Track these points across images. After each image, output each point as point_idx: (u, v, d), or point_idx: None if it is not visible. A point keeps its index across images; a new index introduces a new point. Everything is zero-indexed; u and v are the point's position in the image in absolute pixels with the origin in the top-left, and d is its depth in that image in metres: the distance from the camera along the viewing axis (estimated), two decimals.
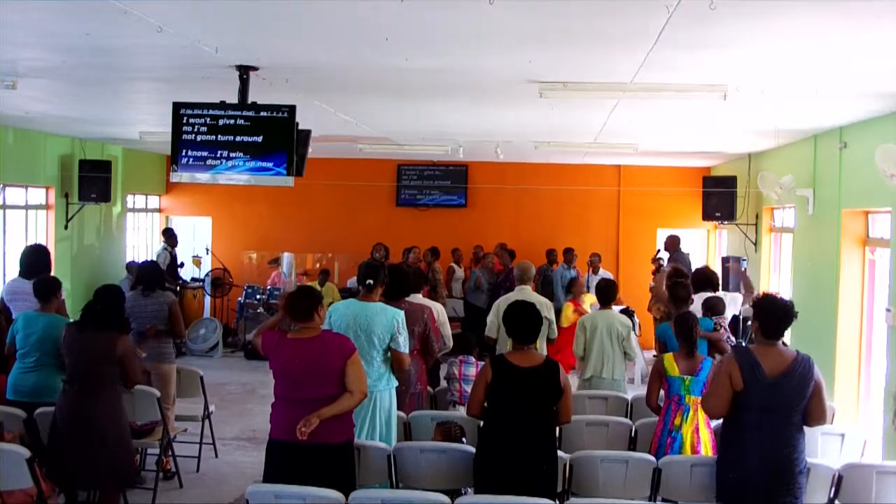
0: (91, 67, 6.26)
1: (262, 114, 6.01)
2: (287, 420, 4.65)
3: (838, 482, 5.01)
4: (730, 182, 11.58)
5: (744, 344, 7.70)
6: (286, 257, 14.30)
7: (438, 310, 7.06)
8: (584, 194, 14.42)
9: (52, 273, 7.24)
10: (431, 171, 15.10)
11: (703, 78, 5.95)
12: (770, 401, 4.54)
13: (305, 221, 14.99)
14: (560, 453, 5.04)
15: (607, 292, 7.68)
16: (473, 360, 6.92)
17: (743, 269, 10.74)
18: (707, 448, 5.52)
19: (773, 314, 4.65)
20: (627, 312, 11.92)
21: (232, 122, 6.03)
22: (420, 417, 5.99)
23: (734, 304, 8.54)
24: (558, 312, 10.24)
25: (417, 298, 7.03)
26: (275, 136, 5.99)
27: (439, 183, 15.13)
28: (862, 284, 7.97)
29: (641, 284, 13.30)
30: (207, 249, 14.86)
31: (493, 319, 7.41)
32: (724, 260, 11.66)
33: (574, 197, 14.49)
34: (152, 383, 6.91)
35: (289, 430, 4.59)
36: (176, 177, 6.18)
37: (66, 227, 11.68)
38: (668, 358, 5.80)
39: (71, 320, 6.09)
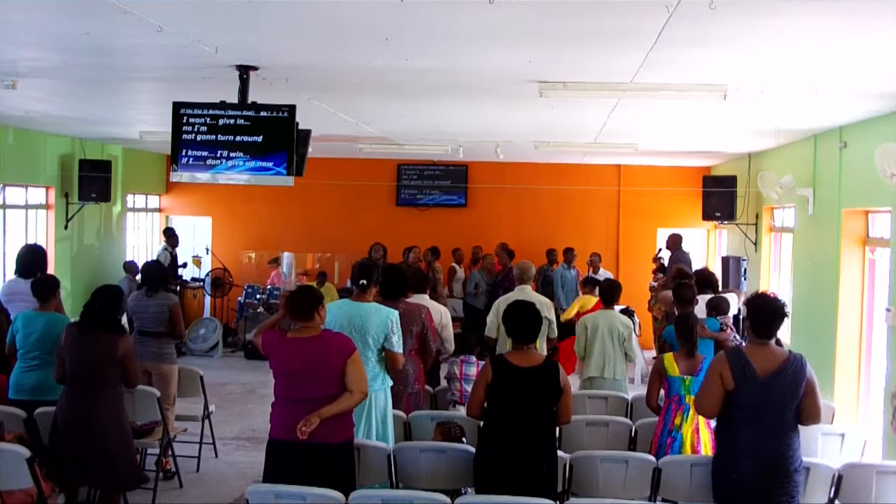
0: (91, 67, 6.26)
1: (262, 113, 6.01)
2: (287, 420, 4.65)
3: (838, 482, 5.01)
4: (730, 182, 11.59)
5: (744, 343, 7.69)
6: (286, 257, 14.31)
7: (442, 312, 7.06)
8: (584, 194, 14.43)
9: (51, 272, 7.25)
10: (431, 170, 15.10)
11: (703, 77, 5.95)
12: (762, 400, 4.55)
13: (305, 221, 14.99)
14: (560, 453, 5.04)
15: (611, 292, 7.69)
16: (474, 359, 6.92)
17: (743, 278, 10.78)
18: (707, 448, 5.52)
19: (764, 313, 4.65)
20: (627, 312, 11.93)
21: (232, 121, 6.03)
22: (420, 417, 5.99)
23: (732, 303, 8.53)
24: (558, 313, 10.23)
25: (423, 299, 7.03)
26: (275, 135, 5.99)
27: (439, 183, 15.13)
28: (862, 284, 7.97)
29: (641, 284, 13.32)
30: (207, 249, 14.87)
31: (493, 319, 7.41)
32: (724, 260, 11.66)
33: (574, 197, 14.49)
34: (153, 383, 6.92)
35: (289, 429, 4.59)
36: (176, 176, 6.17)
37: (66, 227, 11.68)
38: (669, 358, 5.81)
39: (71, 320, 6.09)
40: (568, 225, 14.66)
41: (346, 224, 14.86)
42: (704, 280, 8.12)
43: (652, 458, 5.22)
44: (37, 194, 11.30)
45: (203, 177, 6.17)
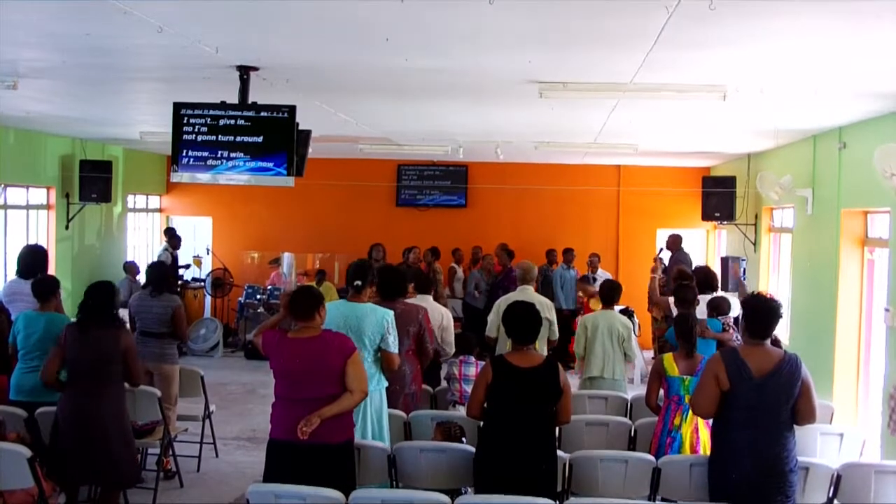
0: (91, 68, 6.27)
1: (263, 114, 6.02)
2: (287, 420, 4.66)
3: (837, 482, 5.02)
4: (729, 182, 11.60)
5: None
6: (286, 257, 14.32)
7: (444, 314, 7.06)
8: (583, 194, 14.44)
9: (52, 273, 7.25)
10: (431, 171, 15.11)
11: (703, 78, 5.96)
12: (757, 400, 4.56)
13: (306, 221, 15.00)
14: (560, 453, 5.05)
15: (611, 293, 7.71)
16: (473, 360, 6.93)
17: (742, 277, 10.76)
18: (706, 448, 5.52)
19: (759, 314, 4.67)
20: (627, 312, 11.94)
21: (232, 122, 6.04)
22: (420, 417, 6.00)
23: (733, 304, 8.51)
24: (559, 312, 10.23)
25: (427, 300, 7.03)
26: (275, 136, 6.00)
27: (439, 183, 15.14)
28: (861, 284, 7.98)
29: (641, 285, 13.26)
30: (208, 249, 14.89)
31: (494, 319, 7.42)
32: (724, 260, 11.68)
33: (574, 197, 14.50)
34: (155, 383, 6.93)
35: (289, 429, 4.60)
36: (176, 177, 6.18)
37: (66, 227, 11.70)
38: (668, 358, 5.82)
39: (72, 320, 6.10)
40: (568, 225, 14.67)
41: (347, 224, 14.87)
42: (704, 279, 8.11)
43: (651, 457, 5.23)
44: (38, 195, 11.32)
45: (203, 177, 6.18)
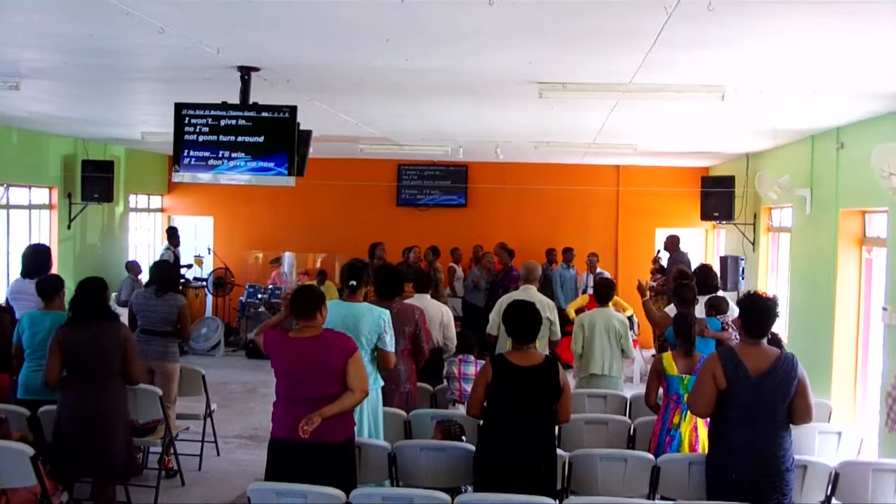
0: (93, 68, 6.29)
1: (264, 114, 6.03)
2: (289, 419, 4.68)
3: (835, 480, 5.06)
4: (728, 182, 11.63)
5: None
6: (287, 257, 14.35)
7: (444, 311, 7.11)
8: (583, 194, 14.46)
9: (54, 272, 7.28)
10: (431, 171, 15.14)
11: (702, 78, 5.97)
12: (754, 399, 4.58)
13: (306, 221, 15.03)
14: (559, 452, 5.07)
15: (605, 291, 7.74)
16: (473, 358, 6.96)
17: (741, 277, 10.78)
18: (705, 447, 5.53)
19: (755, 313, 4.69)
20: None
21: (233, 122, 6.05)
22: (420, 416, 6.03)
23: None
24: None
25: (425, 299, 7.07)
26: (276, 136, 6.01)
27: (439, 183, 15.17)
28: (859, 283, 8.00)
29: None
30: (209, 249, 14.92)
31: (495, 318, 7.45)
32: (723, 259, 11.70)
33: (573, 197, 14.53)
34: (156, 382, 6.96)
35: (290, 428, 4.62)
36: (178, 177, 6.20)
37: (68, 227, 11.73)
38: (667, 357, 5.84)
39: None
40: (567, 225, 14.70)
41: (347, 224, 14.89)
42: (704, 279, 8.11)
43: (651, 456, 5.25)
44: (40, 194, 11.35)
45: (205, 177, 6.19)
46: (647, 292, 9.17)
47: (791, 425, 4.68)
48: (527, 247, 13.38)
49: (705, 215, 11.88)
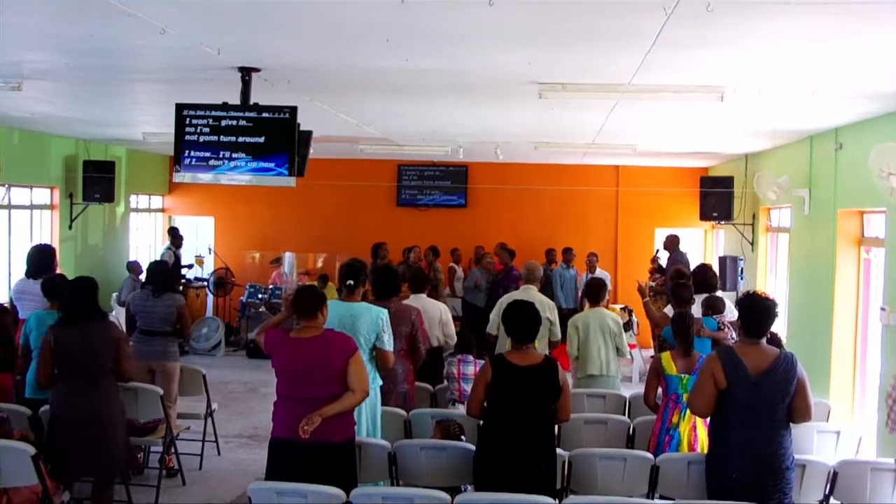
0: (94, 69, 6.31)
1: (264, 115, 6.05)
2: (289, 418, 4.70)
3: (833, 479, 5.07)
4: (727, 182, 11.65)
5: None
6: (287, 257, 14.38)
7: (442, 309, 7.14)
8: (583, 194, 14.48)
9: (59, 272, 7.29)
10: (432, 171, 15.16)
11: (701, 79, 5.98)
12: (754, 398, 4.60)
13: (307, 221, 15.05)
14: (559, 451, 5.08)
15: (597, 291, 7.76)
16: (472, 358, 6.97)
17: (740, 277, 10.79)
18: (704, 446, 5.55)
19: (754, 313, 4.71)
20: (625, 311, 12.00)
21: (234, 122, 6.06)
22: (420, 415, 6.04)
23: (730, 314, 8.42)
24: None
25: (421, 299, 7.10)
26: (276, 136, 6.02)
27: (439, 183, 15.19)
28: (857, 284, 8.02)
29: None
30: (210, 249, 14.94)
31: (495, 317, 7.47)
32: (722, 260, 11.72)
33: (573, 197, 14.54)
34: (157, 381, 6.97)
35: (291, 428, 4.64)
36: (179, 177, 6.21)
37: (70, 228, 11.74)
38: (666, 357, 5.85)
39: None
40: (567, 225, 14.72)
41: (347, 224, 14.91)
42: (703, 278, 8.12)
43: (650, 455, 5.26)
44: (41, 195, 11.37)
45: (205, 177, 6.20)
46: (647, 293, 9.20)
47: (791, 424, 4.70)
48: (526, 247, 13.40)
49: (704, 215, 11.90)
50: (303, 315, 4.84)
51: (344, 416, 4.80)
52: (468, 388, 6.22)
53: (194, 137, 6.10)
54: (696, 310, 7.21)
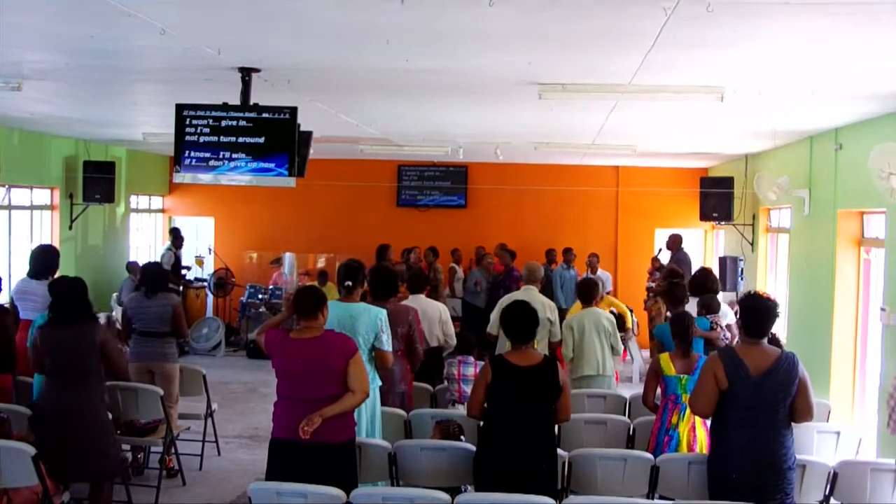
0: (94, 69, 6.31)
1: (264, 115, 6.05)
2: (289, 419, 4.70)
3: (833, 479, 5.07)
4: (727, 183, 11.66)
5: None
6: (288, 257, 14.38)
7: (441, 309, 7.14)
8: (583, 195, 14.48)
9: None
10: (432, 171, 15.16)
11: (701, 79, 5.99)
12: (755, 398, 4.60)
13: (307, 222, 15.06)
14: (559, 451, 5.08)
15: (589, 291, 7.77)
16: (473, 360, 6.98)
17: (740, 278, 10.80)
18: (703, 446, 5.56)
19: (756, 313, 4.71)
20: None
21: (234, 123, 6.07)
22: (420, 416, 6.04)
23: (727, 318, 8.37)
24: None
25: (419, 299, 7.10)
26: (277, 137, 6.03)
27: (439, 183, 15.19)
28: (857, 284, 8.02)
29: (639, 284, 13.38)
30: (210, 249, 14.95)
31: (496, 318, 7.48)
32: (722, 260, 11.73)
33: (573, 197, 14.54)
34: (156, 382, 6.97)
35: (291, 429, 4.63)
36: (179, 177, 6.22)
37: (70, 228, 11.75)
38: (665, 357, 5.85)
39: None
40: (567, 225, 14.72)
41: (347, 224, 14.91)
42: (704, 282, 8.11)
43: (650, 456, 5.26)
44: (42, 195, 11.37)
45: (205, 178, 6.20)
46: (652, 285, 9.22)
47: (792, 424, 4.70)
48: (527, 247, 13.41)
49: (704, 216, 11.91)
50: (303, 315, 4.85)
51: (344, 417, 4.80)
52: (468, 389, 6.23)
53: (194, 138, 6.10)
54: (691, 309, 7.23)
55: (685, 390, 5.62)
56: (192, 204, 15.35)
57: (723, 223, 11.99)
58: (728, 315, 7.87)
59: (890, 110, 6.94)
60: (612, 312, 8.26)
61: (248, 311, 13.70)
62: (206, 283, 14.31)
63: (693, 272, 9.29)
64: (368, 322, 5.60)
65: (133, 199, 14.19)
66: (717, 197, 11.64)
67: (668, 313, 7.99)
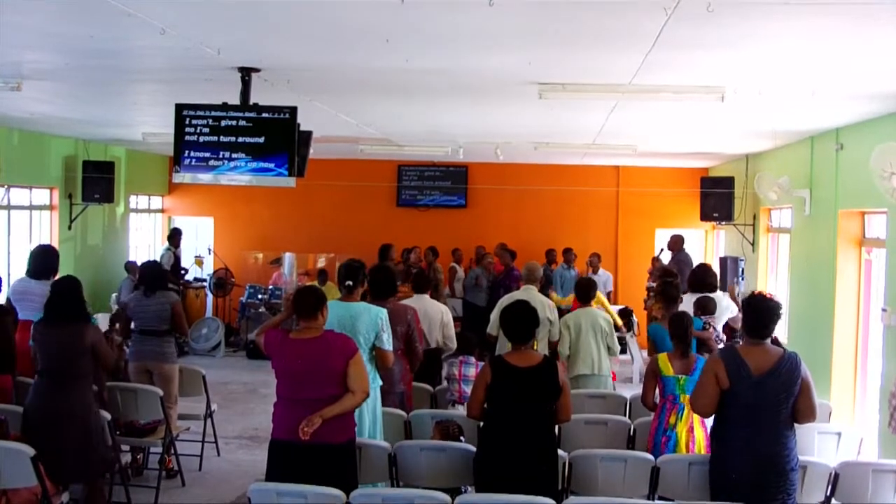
0: (94, 69, 6.31)
1: (264, 115, 6.04)
2: (289, 420, 4.69)
3: (835, 480, 5.06)
4: (727, 183, 11.65)
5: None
6: (287, 257, 14.37)
7: (443, 311, 7.13)
8: (583, 195, 14.48)
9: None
10: (432, 171, 15.16)
11: (701, 79, 5.98)
12: (756, 398, 4.59)
13: (306, 222, 15.05)
14: (560, 452, 5.07)
15: (586, 290, 7.77)
16: (473, 360, 6.97)
17: (740, 278, 10.78)
18: (700, 447, 5.55)
19: (759, 313, 4.70)
20: (626, 312, 12.00)
21: (234, 123, 6.06)
22: (420, 416, 6.04)
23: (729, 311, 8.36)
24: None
25: (423, 299, 7.09)
26: (276, 136, 6.02)
27: (439, 183, 15.19)
28: (858, 284, 8.02)
29: (640, 284, 13.37)
30: (210, 249, 14.94)
31: (496, 318, 7.48)
32: (722, 260, 11.73)
33: (573, 197, 14.54)
34: (155, 383, 6.97)
35: (291, 429, 4.63)
36: (178, 177, 6.21)
37: (69, 228, 11.74)
38: (663, 358, 5.84)
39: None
40: (567, 225, 14.72)
41: (347, 224, 14.91)
42: (703, 278, 8.11)
43: (650, 456, 5.25)
44: (41, 195, 11.36)
45: (205, 178, 6.20)
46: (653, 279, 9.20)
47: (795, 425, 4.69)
48: (527, 247, 13.40)
49: (705, 216, 11.90)
50: (303, 316, 4.84)
51: (344, 418, 4.80)
52: (468, 389, 6.22)
53: (194, 138, 6.10)
54: (686, 308, 7.24)
55: (683, 391, 5.62)
56: (192, 204, 15.34)
57: (723, 223, 11.99)
58: (731, 308, 7.88)
59: (891, 110, 6.93)
60: None
61: (248, 311, 13.69)
62: (205, 284, 14.30)
63: (692, 268, 9.27)
64: (369, 321, 5.60)
65: (132, 199, 14.19)
66: (717, 197, 11.64)
67: (655, 312, 8.02)
